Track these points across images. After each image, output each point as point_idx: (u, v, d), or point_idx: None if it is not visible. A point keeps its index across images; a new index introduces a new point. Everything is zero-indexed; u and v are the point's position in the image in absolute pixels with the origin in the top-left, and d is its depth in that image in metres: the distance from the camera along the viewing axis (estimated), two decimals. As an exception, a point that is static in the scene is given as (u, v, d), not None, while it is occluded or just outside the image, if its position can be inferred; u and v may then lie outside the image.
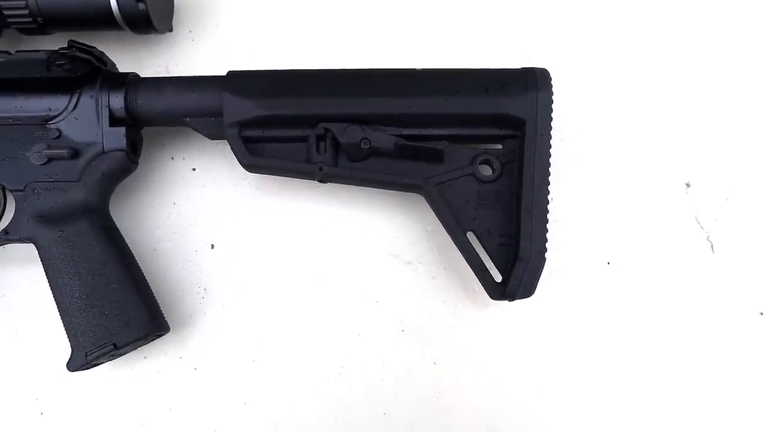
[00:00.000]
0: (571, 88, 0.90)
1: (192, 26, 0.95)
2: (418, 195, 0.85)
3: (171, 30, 0.92)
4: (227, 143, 0.82)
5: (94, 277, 0.80)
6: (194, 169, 0.92)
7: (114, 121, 0.83)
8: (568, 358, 0.88)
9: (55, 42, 0.86)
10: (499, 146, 0.83)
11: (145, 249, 0.89)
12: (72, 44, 0.82)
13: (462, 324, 0.88)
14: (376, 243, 0.89)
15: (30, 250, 0.84)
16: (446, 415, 0.87)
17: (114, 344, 0.79)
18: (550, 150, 0.79)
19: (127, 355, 0.84)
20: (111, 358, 0.82)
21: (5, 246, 0.88)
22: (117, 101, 0.83)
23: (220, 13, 0.95)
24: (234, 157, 0.89)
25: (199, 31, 0.95)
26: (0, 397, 0.88)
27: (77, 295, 0.80)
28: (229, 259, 0.89)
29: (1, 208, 0.86)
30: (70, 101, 0.83)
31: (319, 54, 0.94)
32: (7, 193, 0.86)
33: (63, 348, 0.85)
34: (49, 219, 0.82)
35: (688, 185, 0.91)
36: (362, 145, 0.80)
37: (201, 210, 0.90)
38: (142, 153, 0.87)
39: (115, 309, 0.80)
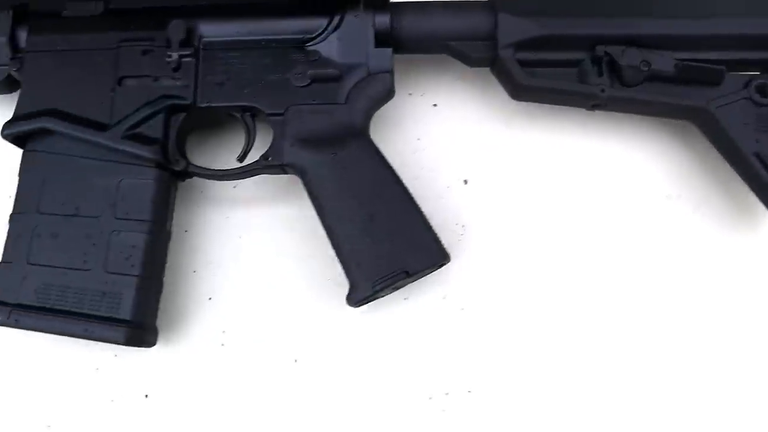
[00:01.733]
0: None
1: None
2: (683, 123, 0.83)
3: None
4: (467, 80, 0.79)
5: (376, 199, 0.74)
6: (435, 105, 0.87)
7: (379, 42, 0.79)
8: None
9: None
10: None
11: (393, 185, 0.83)
12: None
13: (725, 255, 0.83)
14: (632, 175, 0.85)
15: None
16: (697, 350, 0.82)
17: (406, 272, 0.72)
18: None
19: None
20: (394, 289, 0.75)
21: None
22: (383, 21, 0.79)
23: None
24: (476, 92, 0.87)
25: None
26: (254, 345, 0.79)
27: (358, 219, 0.73)
28: (485, 194, 0.84)
29: (252, 135, 0.80)
30: (330, 22, 0.79)
31: None
32: (257, 121, 0.79)
33: (317, 293, 0.78)
34: (317, 142, 0.76)
35: None
36: (641, 68, 0.78)
37: (447, 145, 0.86)
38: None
39: (401, 234, 0.73)
